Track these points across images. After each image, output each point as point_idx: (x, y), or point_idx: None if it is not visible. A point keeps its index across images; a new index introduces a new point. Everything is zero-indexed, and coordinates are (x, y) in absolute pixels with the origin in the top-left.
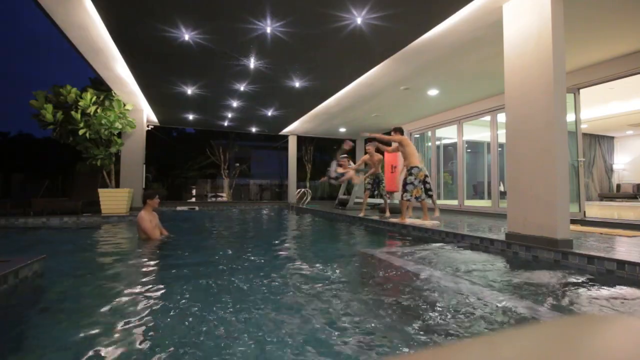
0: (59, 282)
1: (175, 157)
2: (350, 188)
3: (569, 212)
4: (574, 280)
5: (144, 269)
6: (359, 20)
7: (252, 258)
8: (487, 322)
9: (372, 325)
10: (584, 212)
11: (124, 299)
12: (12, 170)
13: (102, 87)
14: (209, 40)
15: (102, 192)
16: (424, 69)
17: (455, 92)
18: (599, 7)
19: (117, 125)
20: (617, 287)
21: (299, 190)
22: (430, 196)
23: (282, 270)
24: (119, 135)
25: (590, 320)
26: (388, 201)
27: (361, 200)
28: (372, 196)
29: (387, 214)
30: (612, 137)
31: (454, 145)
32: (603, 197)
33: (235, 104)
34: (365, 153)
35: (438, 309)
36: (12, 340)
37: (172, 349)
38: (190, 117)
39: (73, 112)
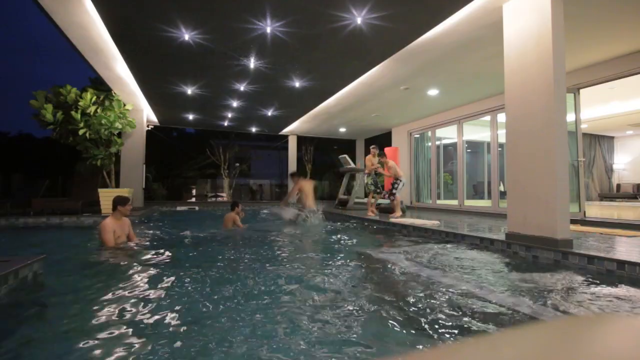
0: (58, 282)
1: (175, 157)
2: (350, 188)
3: (569, 212)
4: (574, 280)
5: (143, 269)
6: (359, 20)
7: (251, 258)
8: (487, 322)
9: (370, 324)
10: (584, 212)
11: (122, 298)
12: (12, 170)
13: (102, 87)
14: (209, 40)
15: (102, 192)
16: (424, 69)
17: (455, 92)
18: (599, 7)
19: (117, 125)
20: (617, 287)
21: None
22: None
23: (278, 270)
24: (119, 135)
25: (590, 320)
26: (386, 201)
27: (362, 201)
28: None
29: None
30: (612, 137)
31: (454, 145)
32: (603, 197)
33: (235, 104)
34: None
35: (437, 308)
36: (11, 341)
37: (169, 348)
38: (190, 117)
39: (73, 112)
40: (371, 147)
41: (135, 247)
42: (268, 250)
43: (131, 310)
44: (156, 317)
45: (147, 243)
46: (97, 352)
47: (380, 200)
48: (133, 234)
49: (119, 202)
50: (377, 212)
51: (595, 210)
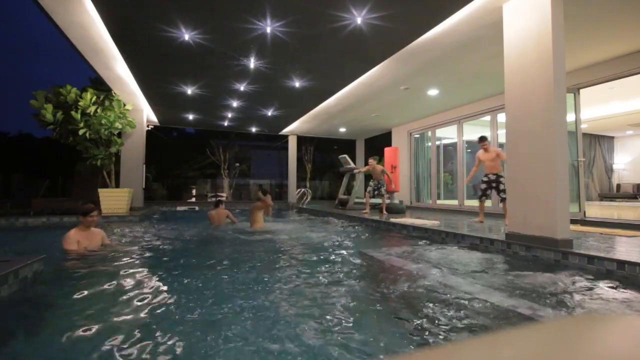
0: (58, 281)
1: (175, 157)
2: (350, 188)
3: (569, 212)
4: (574, 280)
5: (143, 269)
6: (359, 20)
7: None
8: (487, 322)
9: (370, 324)
10: (584, 212)
11: (122, 298)
12: (12, 170)
13: (102, 87)
14: (209, 40)
15: (102, 192)
16: (424, 69)
17: (455, 92)
18: (599, 7)
19: (117, 125)
20: (617, 287)
21: (299, 190)
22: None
23: (275, 269)
24: (119, 135)
25: (590, 320)
26: (387, 202)
27: (362, 201)
28: (372, 197)
29: (384, 213)
30: (612, 137)
31: (454, 145)
32: (603, 197)
33: (235, 104)
34: (366, 164)
35: (437, 308)
36: (11, 341)
37: (166, 344)
38: (190, 117)
39: (73, 112)
40: (370, 158)
41: (115, 253)
42: (263, 250)
43: (130, 309)
44: (153, 316)
45: (135, 247)
46: (96, 352)
47: (373, 200)
48: (109, 243)
49: (80, 212)
50: (369, 212)
51: (595, 210)
